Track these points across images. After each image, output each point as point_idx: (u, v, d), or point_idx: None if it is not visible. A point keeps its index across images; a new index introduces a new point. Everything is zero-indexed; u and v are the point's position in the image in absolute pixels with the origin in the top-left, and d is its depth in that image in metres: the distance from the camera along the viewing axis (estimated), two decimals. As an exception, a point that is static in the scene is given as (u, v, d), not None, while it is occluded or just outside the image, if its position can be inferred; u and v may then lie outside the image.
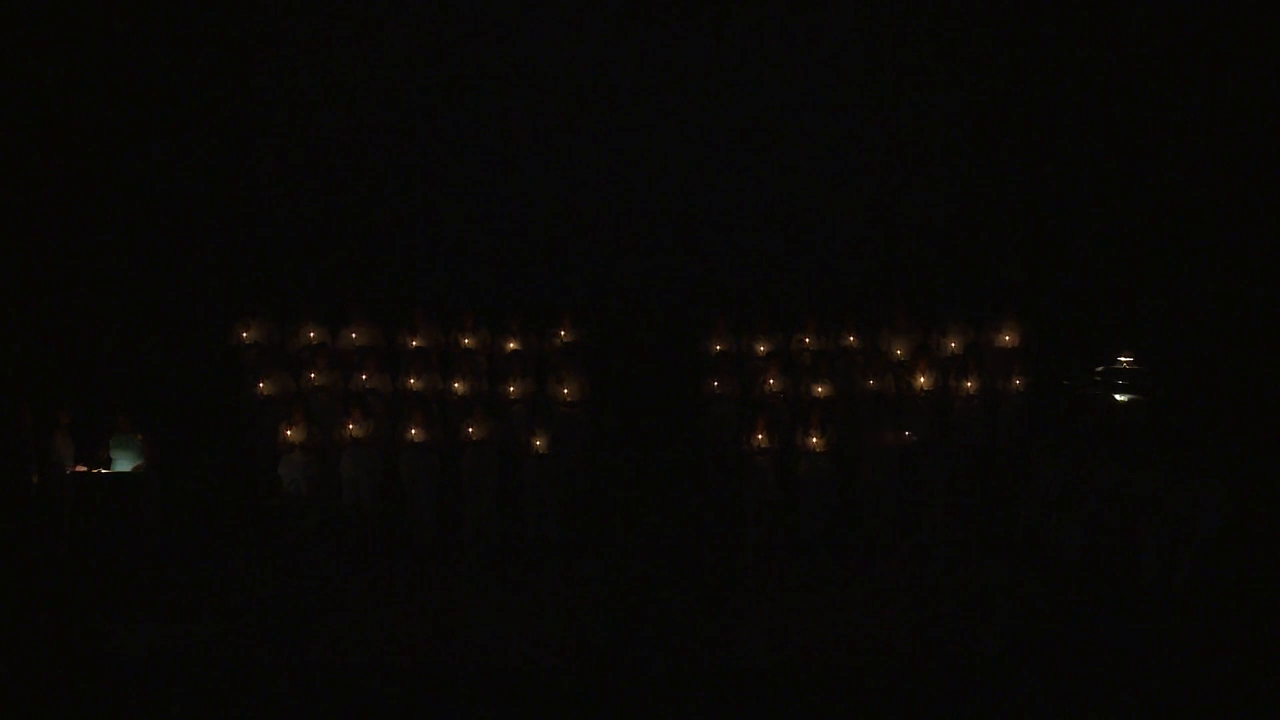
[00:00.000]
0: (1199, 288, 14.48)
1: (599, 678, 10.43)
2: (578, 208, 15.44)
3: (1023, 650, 10.86)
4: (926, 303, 14.74)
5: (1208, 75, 14.41)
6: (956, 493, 13.33)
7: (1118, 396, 13.65)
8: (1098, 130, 14.85)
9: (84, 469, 12.19)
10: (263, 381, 13.56)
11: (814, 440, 13.04)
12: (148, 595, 11.84)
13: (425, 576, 12.63)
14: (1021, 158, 15.08)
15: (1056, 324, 14.57)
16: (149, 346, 14.30)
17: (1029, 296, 14.62)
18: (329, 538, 13.13)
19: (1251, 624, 11.22)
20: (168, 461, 12.82)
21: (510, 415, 13.53)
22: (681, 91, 15.26)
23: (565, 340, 14.17)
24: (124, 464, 12.18)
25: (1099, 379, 13.79)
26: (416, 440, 13.11)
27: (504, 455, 13.32)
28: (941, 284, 15.10)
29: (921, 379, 13.62)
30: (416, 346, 13.94)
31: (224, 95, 15.02)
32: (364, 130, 15.32)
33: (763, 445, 13.05)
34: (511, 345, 14.06)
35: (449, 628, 11.42)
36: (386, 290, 15.05)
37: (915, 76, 15.19)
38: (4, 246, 13.80)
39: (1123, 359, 13.79)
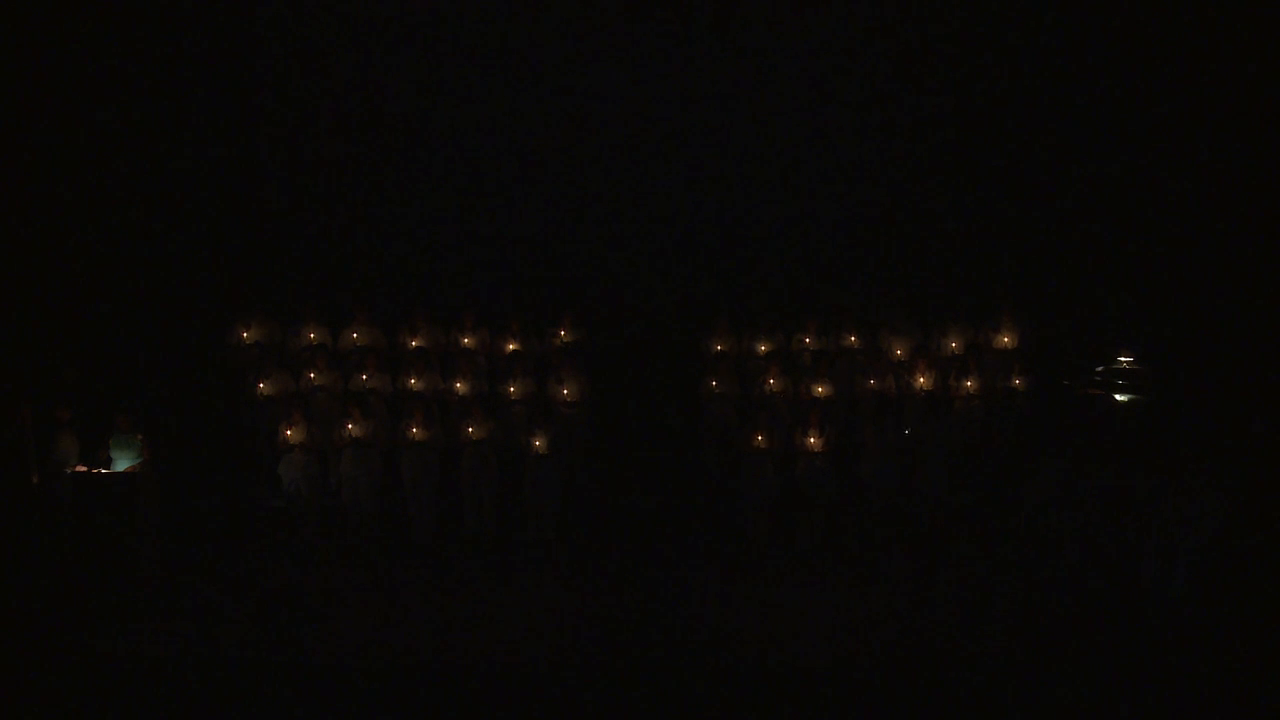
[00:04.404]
0: (1199, 287, 14.48)
1: (599, 677, 10.43)
2: (578, 208, 15.44)
3: (1023, 650, 10.87)
4: (927, 302, 14.75)
5: (1208, 75, 14.42)
6: (956, 492, 13.33)
7: (1118, 396, 13.66)
8: (1098, 130, 14.85)
9: (84, 469, 12.18)
10: (263, 381, 13.56)
11: (814, 440, 13.04)
12: (148, 595, 11.84)
13: (425, 576, 12.63)
14: (1022, 158, 15.07)
15: (1056, 324, 14.56)
16: (149, 346, 14.29)
17: (1029, 296, 14.61)
18: (329, 538, 13.14)
19: (1251, 624, 11.23)
20: (168, 461, 12.82)
21: (510, 415, 13.52)
22: (682, 92, 15.25)
23: (565, 340, 14.17)
24: (124, 464, 12.18)
25: (1099, 379, 13.80)
26: (416, 440, 13.11)
27: (504, 455, 13.32)
28: (941, 284, 15.08)
29: (921, 379, 13.63)
30: (416, 346, 13.94)
31: (226, 95, 15.02)
32: (365, 131, 15.32)
33: (763, 445, 13.05)
34: (511, 345, 14.06)
35: (449, 627, 11.43)
36: (386, 290, 15.04)
37: (915, 76, 15.19)
38: (4, 247, 13.80)
39: (1123, 359, 13.80)
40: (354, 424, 13.12)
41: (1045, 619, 11.41)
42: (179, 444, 13.38)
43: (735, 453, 13.36)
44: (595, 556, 12.88)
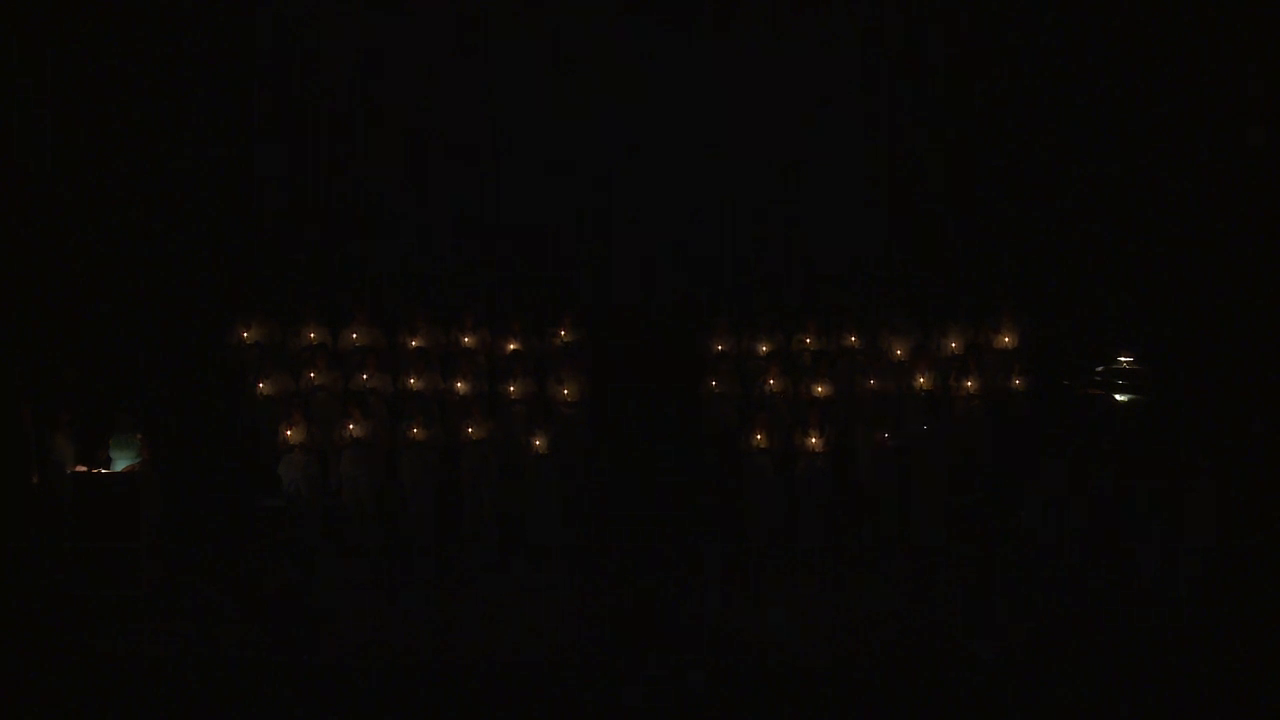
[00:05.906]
0: (1199, 287, 14.48)
1: (599, 677, 10.42)
2: (578, 207, 15.43)
3: (1023, 650, 10.86)
4: (927, 302, 14.74)
5: (1208, 74, 14.42)
6: (956, 493, 13.32)
7: (1118, 396, 13.66)
8: (1098, 130, 14.84)
9: (84, 469, 12.18)
10: (263, 381, 13.56)
11: (813, 440, 13.04)
12: (148, 595, 11.84)
13: (425, 576, 12.63)
14: (1022, 157, 15.06)
15: (1056, 324, 14.56)
16: (149, 346, 14.28)
17: (1029, 296, 14.61)
18: (329, 538, 13.13)
19: (1251, 624, 11.23)
20: (168, 461, 12.81)
21: (510, 415, 13.52)
22: (682, 90, 15.23)
23: (565, 340, 14.17)
24: (124, 464, 12.18)
25: (1099, 379, 13.79)
26: (416, 440, 13.11)
27: (504, 455, 13.31)
28: (941, 284, 15.08)
29: (921, 379, 13.62)
30: (416, 346, 13.94)
31: (225, 95, 15.01)
32: (366, 130, 15.31)
33: (763, 445, 13.06)
34: (511, 345, 14.06)
35: (449, 627, 11.42)
36: (387, 290, 15.03)
37: (915, 76, 15.19)
38: (4, 246, 13.79)
39: (1123, 359, 13.80)
40: (354, 424, 13.12)
41: (1045, 619, 11.41)
42: (179, 444, 13.37)
43: (735, 453, 13.36)
44: (595, 556, 12.87)
